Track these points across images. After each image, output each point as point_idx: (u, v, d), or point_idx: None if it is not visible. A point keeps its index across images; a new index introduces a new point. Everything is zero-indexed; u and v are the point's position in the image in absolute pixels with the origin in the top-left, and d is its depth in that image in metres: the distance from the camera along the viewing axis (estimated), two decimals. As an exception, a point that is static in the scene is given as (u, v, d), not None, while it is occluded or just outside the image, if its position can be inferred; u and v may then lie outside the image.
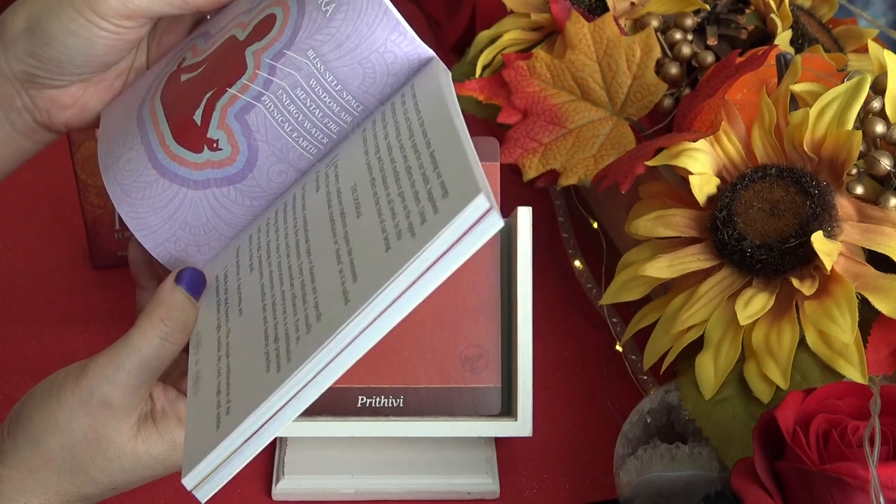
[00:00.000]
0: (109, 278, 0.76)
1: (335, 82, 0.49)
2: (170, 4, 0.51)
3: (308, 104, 0.50)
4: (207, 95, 0.51)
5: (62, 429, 0.47)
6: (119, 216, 0.64)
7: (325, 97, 0.50)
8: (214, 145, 0.50)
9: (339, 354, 0.42)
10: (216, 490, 0.44)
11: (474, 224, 0.39)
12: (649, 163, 0.59)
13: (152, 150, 0.51)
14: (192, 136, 0.51)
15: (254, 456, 0.44)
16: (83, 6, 0.51)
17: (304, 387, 0.43)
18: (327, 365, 0.42)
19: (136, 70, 0.56)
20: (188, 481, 0.44)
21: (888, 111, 0.57)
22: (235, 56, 0.51)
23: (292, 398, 0.43)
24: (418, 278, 0.40)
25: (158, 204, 0.51)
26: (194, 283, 0.50)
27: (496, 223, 0.39)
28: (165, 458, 0.49)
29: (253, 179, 0.51)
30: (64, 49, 0.52)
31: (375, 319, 0.41)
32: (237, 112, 0.50)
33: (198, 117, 0.50)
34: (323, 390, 0.43)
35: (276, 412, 0.43)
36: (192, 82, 0.52)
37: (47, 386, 0.48)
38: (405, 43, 0.49)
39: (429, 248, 0.40)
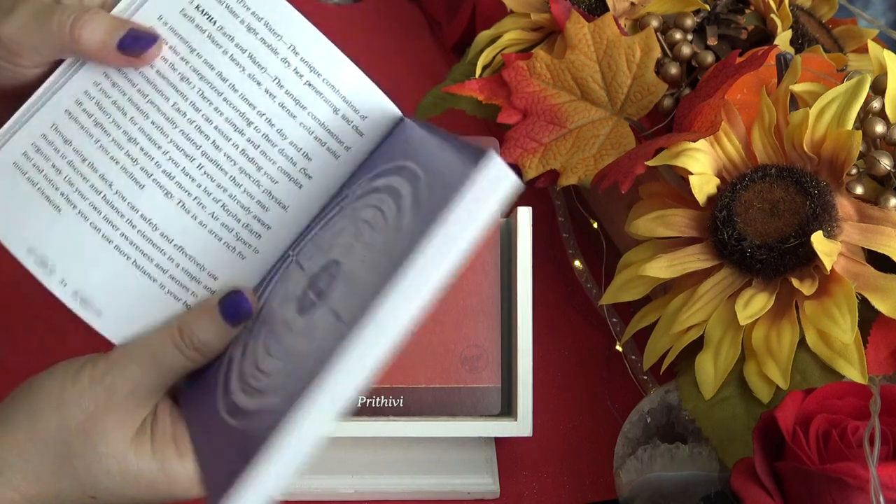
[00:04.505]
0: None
1: None
2: (60, 51, 0.50)
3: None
4: None
5: (65, 407, 0.46)
6: None
7: None
8: None
9: None
10: None
11: None
12: (649, 163, 0.59)
13: None
14: None
15: None
16: None
17: None
18: None
19: None
20: None
21: (888, 111, 0.57)
22: None
23: None
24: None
25: None
26: (234, 310, 0.48)
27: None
28: (152, 478, 0.46)
29: None
30: None
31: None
32: None
33: None
34: None
35: None
36: None
37: (66, 364, 0.47)
38: None
39: None
